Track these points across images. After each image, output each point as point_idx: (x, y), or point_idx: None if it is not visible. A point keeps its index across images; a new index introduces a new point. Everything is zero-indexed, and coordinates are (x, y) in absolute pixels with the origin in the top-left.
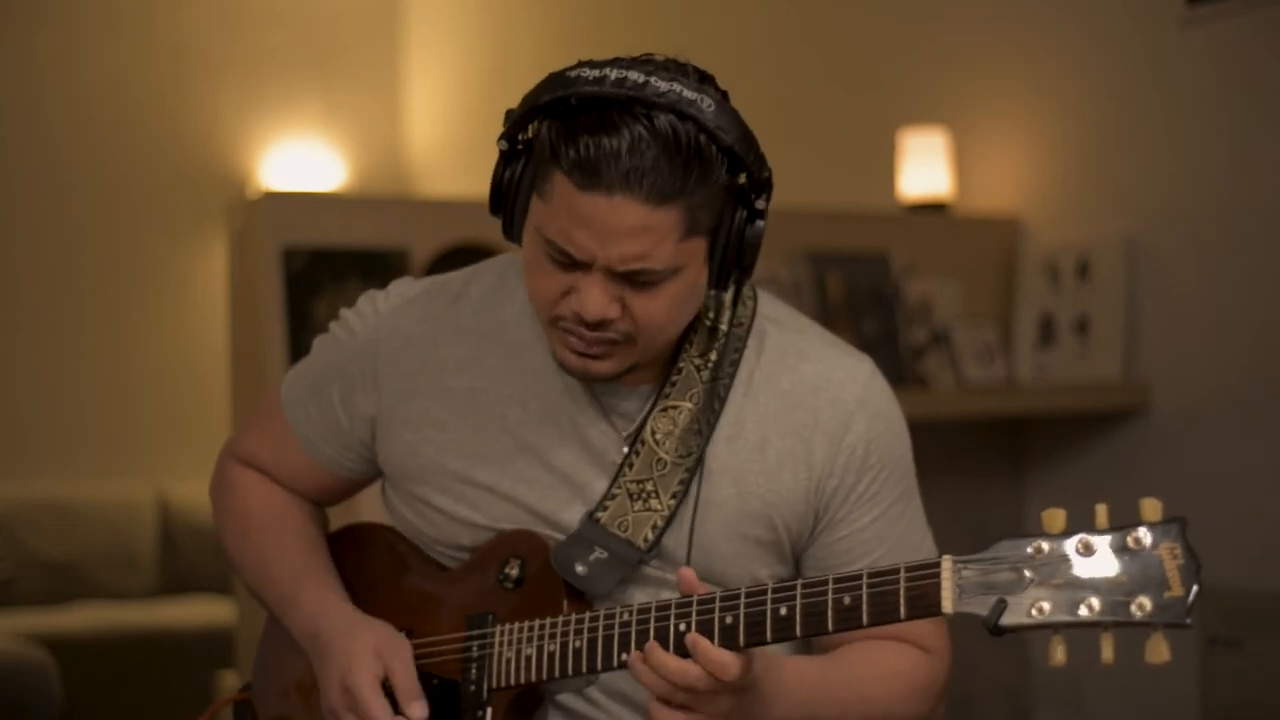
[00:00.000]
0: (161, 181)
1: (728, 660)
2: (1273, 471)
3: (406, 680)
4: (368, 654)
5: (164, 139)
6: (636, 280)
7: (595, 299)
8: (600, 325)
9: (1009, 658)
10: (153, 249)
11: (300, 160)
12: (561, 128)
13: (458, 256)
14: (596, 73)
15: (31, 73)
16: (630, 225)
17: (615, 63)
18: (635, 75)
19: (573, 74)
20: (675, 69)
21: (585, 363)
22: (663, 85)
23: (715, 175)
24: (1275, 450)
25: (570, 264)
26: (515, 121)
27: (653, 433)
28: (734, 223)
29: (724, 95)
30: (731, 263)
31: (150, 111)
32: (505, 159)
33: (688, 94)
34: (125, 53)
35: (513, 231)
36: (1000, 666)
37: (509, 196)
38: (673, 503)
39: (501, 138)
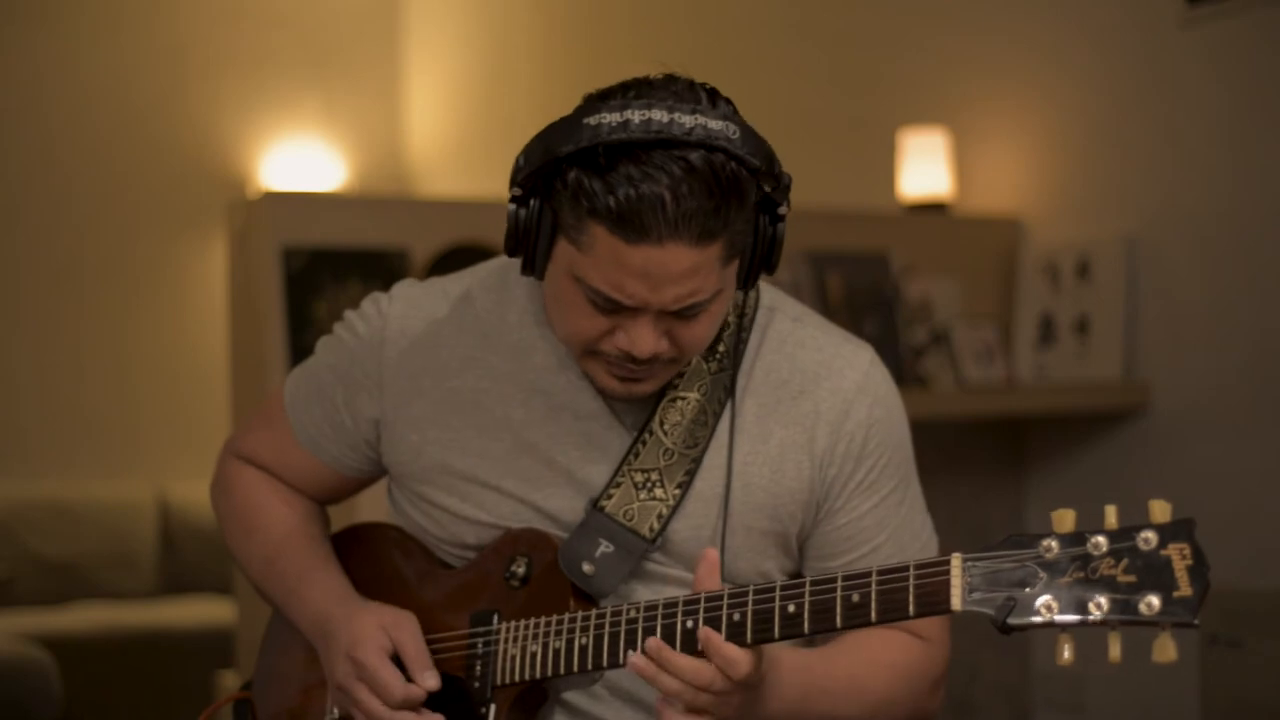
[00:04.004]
0: (161, 181)
1: (738, 657)
2: (1273, 471)
3: (417, 652)
4: (373, 627)
5: (164, 139)
6: (684, 314)
7: (646, 339)
8: (650, 359)
9: (1009, 659)
10: (153, 249)
11: (300, 160)
12: (595, 178)
13: (458, 256)
14: (617, 116)
15: (31, 73)
16: (682, 269)
17: (628, 99)
18: (658, 114)
19: (592, 120)
20: (687, 94)
21: (629, 387)
22: (687, 120)
23: (750, 199)
24: (1275, 451)
25: (617, 308)
26: (533, 171)
27: (661, 423)
28: (762, 232)
29: (732, 107)
30: (760, 267)
31: (150, 111)
32: (519, 202)
33: (713, 125)
34: (125, 53)
35: (534, 270)
36: (1000, 668)
37: (529, 240)
38: (678, 492)
39: (515, 184)
